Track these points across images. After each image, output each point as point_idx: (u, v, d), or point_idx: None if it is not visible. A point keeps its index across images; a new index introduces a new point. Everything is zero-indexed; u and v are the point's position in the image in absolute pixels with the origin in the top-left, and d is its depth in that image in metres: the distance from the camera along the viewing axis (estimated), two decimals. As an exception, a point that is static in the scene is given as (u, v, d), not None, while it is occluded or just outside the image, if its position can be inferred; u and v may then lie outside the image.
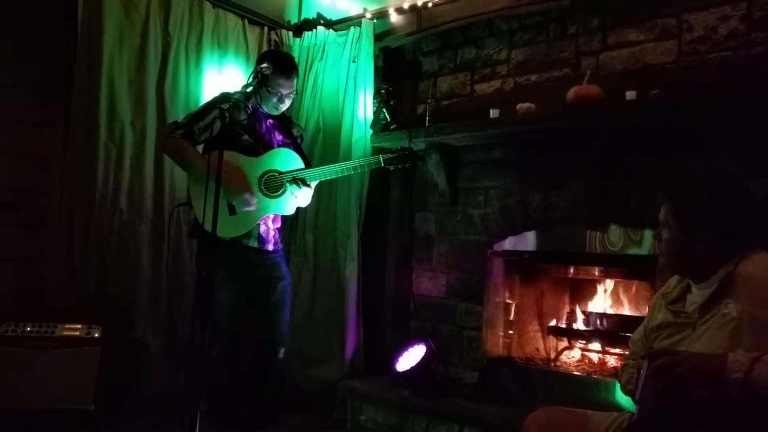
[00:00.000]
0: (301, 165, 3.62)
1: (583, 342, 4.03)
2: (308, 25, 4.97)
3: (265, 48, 4.80)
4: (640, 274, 3.69)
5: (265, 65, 3.53)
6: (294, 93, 3.73)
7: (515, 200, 3.98)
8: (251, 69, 3.70)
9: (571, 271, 4.07)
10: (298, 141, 3.83)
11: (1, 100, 3.85)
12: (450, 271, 4.34)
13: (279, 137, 3.70)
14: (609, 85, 3.47)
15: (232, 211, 3.41)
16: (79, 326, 3.58)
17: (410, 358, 3.95)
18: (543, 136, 3.74)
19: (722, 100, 2.97)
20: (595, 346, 3.95)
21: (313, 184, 3.64)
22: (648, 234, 3.41)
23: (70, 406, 3.45)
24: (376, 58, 4.60)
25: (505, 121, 3.80)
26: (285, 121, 3.81)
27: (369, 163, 3.75)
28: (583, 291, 4.15)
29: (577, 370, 3.86)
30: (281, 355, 3.65)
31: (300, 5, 5.13)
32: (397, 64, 4.79)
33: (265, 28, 4.89)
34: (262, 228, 3.58)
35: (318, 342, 4.50)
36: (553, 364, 4.03)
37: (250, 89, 3.52)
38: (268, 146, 3.60)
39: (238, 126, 3.48)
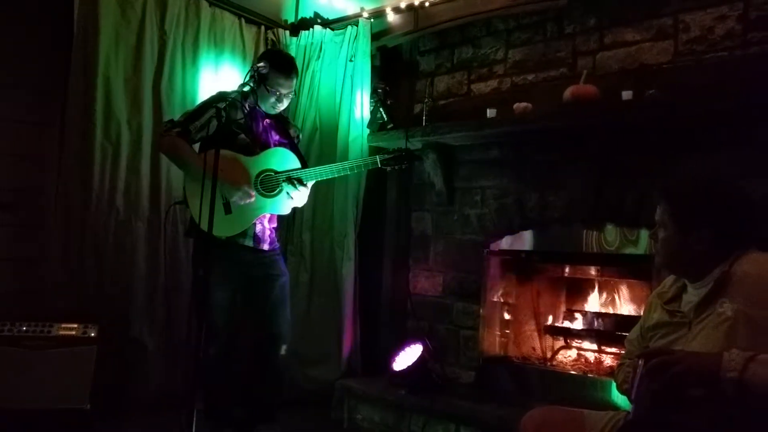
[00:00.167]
0: (298, 165, 3.61)
1: (580, 341, 4.03)
2: (305, 24, 4.97)
3: (261, 47, 4.80)
4: (636, 274, 3.69)
5: (262, 64, 3.53)
6: (292, 93, 3.72)
7: (512, 200, 3.98)
8: (248, 68, 3.70)
9: (568, 270, 4.07)
10: (295, 141, 3.82)
11: (0, 100, 3.84)
12: (447, 271, 4.34)
13: (276, 137, 3.69)
14: (606, 85, 3.48)
15: (227, 210, 3.40)
16: (76, 326, 3.57)
17: (407, 357, 3.96)
18: (540, 135, 3.74)
19: (719, 101, 2.97)
20: (592, 345, 3.96)
21: (310, 184, 3.63)
22: (644, 234, 3.41)
23: (67, 406, 3.45)
24: (373, 57, 4.60)
25: (502, 121, 3.80)
26: (282, 121, 3.80)
27: (366, 164, 3.74)
28: (579, 290, 4.15)
29: (574, 370, 3.86)
30: (283, 351, 3.63)
31: (297, 4, 5.13)
32: (394, 63, 4.79)
33: (262, 27, 4.89)
34: (258, 227, 3.57)
35: (315, 342, 4.50)
36: (549, 363, 4.03)
37: (247, 88, 3.51)
38: (265, 146, 3.60)
39: (234, 125, 3.47)
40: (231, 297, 3.53)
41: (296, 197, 3.59)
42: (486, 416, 3.44)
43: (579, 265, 3.99)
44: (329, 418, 4.19)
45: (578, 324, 4.06)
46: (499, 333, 4.14)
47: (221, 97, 3.52)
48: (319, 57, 4.77)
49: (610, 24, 3.69)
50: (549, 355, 4.12)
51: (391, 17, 4.58)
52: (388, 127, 4.38)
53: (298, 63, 4.58)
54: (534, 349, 4.15)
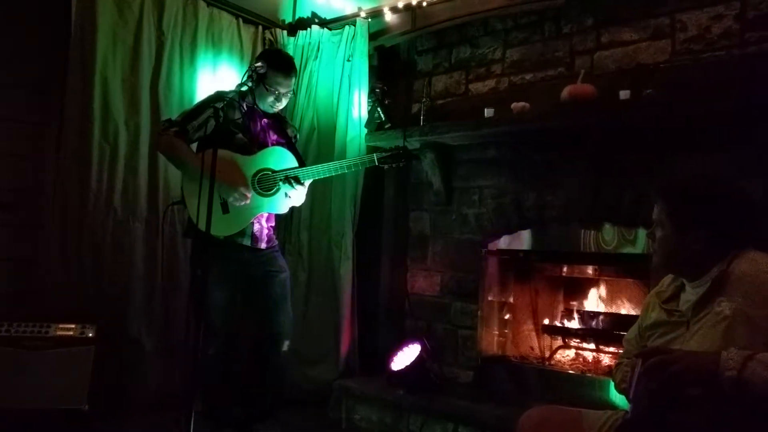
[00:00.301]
0: (295, 164, 3.61)
1: (578, 341, 4.03)
2: (303, 24, 4.96)
3: (259, 47, 4.80)
4: (634, 273, 3.70)
5: (261, 63, 3.52)
6: (291, 93, 3.72)
7: (510, 199, 3.99)
8: (245, 68, 3.70)
9: (566, 269, 4.08)
10: (293, 141, 3.82)
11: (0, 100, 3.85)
12: (445, 270, 4.34)
13: (273, 137, 3.69)
14: (603, 85, 3.48)
15: (225, 209, 3.40)
16: (73, 326, 3.57)
17: (405, 357, 3.96)
18: (537, 135, 3.75)
19: (716, 100, 2.98)
20: (590, 344, 3.96)
21: (307, 183, 3.62)
22: (642, 233, 3.42)
23: (65, 406, 3.44)
24: (370, 57, 4.60)
25: (499, 121, 3.80)
26: (280, 121, 3.80)
27: (363, 162, 3.73)
28: (577, 290, 4.15)
29: (572, 369, 3.86)
30: (285, 347, 3.62)
31: (294, 4, 5.13)
32: (391, 63, 4.80)
33: (260, 27, 4.88)
34: (256, 227, 3.57)
35: (313, 341, 4.50)
36: (547, 362, 4.03)
37: (245, 88, 3.50)
38: (263, 145, 3.59)
39: (232, 125, 3.47)
40: (229, 296, 3.52)
41: (294, 196, 3.59)
42: (484, 416, 3.44)
43: (577, 265, 4.00)
44: (327, 417, 4.19)
45: (576, 323, 4.06)
46: (497, 332, 4.14)
47: (219, 96, 3.52)
48: (316, 57, 4.77)
49: (607, 23, 3.69)
50: (547, 354, 4.12)
51: (389, 17, 4.58)
52: (386, 126, 4.38)
53: (296, 63, 4.56)
54: (532, 348, 4.16)
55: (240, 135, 3.51)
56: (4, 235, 3.87)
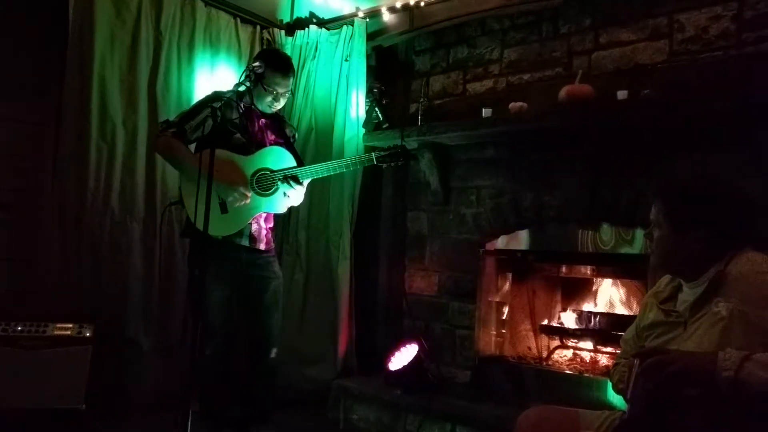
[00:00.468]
0: (294, 163, 3.60)
1: (575, 341, 4.03)
2: (301, 23, 4.96)
3: (257, 47, 4.80)
4: (631, 273, 3.70)
5: (258, 63, 3.52)
6: (289, 93, 3.72)
7: (507, 199, 3.99)
8: (243, 68, 3.70)
9: (564, 270, 4.08)
10: (291, 141, 3.82)
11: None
12: (442, 270, 4.34)
13: (272, 136, 3.68)
14: (601, 85, 3.48)
15: (223, 209, 3.39)
16: (71, 326, 3.56)
17: (403, 357, 3.96)
18: (535, 135, 3.75)
19: (713, 100, 2.98)
20: (587, 345, 3.96)
21: (305, 182, 3.62)
22: (639, 233, 3.41)
23: (62, 406, 3.44)
24: (368, 57, 4.61)
25: (497, 121, 3.80)
26: (278, 121, 3.80)
27: (361, 161, 3.73)
28: (575, 290, 4.16)
29: (569, 369, 3.86)
30: (273, 354, 3.64)
31: (292, 4, 5.12)
32: (389, 63, 4.79)
33: (258, 27, 4.88)
34: (254, 227, 3.56)
35: (311, 341, 4.50)
36: (545, 363, 4.04)
37: (243, 88, 3.50)
38: (261, 145, 3.59)
39: (230, 124, 3.47)
40: (227, 296, 3.52)
41: (292, 196, 3.59)
42: (482, 416, 3.44)
43: (574, 265, 3.99)
44: (325, 417, 4.19)
45: (574, 323, 4.06)
46: (494, 332, 4.14)
47: (216, 96, 3.51)
48: (314, 57, 4.77)
49: (605, 24, 3.69)
50: (545, 354, 4.12)
51: (387, 17, 4.59)
52: (384, 126, 4.38)
53: (294, 63, 4.56)
54: (530, 348, 4.16)
55: (238, 135, 3.51)
56: (2, 234, 3.87)
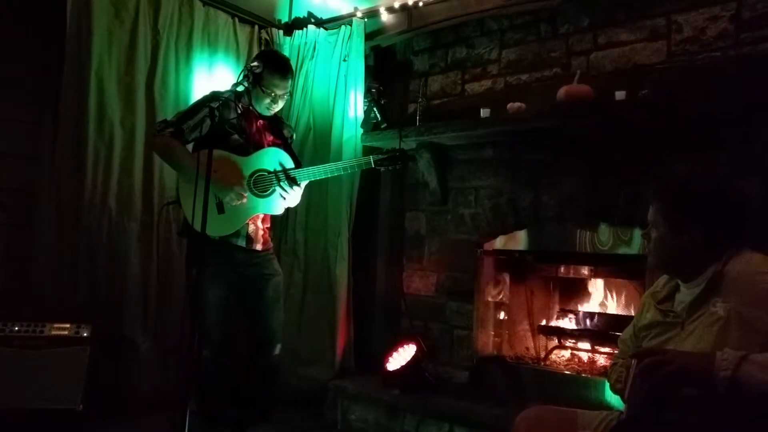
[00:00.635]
0: (291, 165, 3.60)
1: (573, 341, 4.03)
2: (299, 23, 4.96)
3: (255, 47, 4.80)
4: (629, 274, 3.69)
5: (256, 64, 3.51)
6: (287, 95, 3.71)
7: (506, 199, 3.99)
8: (241, 68, 3.69)
9: (562, 270, 4.07)
10: (289, 141, 3.82)
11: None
12: (441, 270, 4.34)
13: (270, 137, 3.68)
14: (599, 85, 3.48)
15: (220, 209, 3.39)
16: (68, 326, 3.57)
17: (401, 357, 3.96)
18: (533, 135, 3.75)
19: (711, 101, 2.98)
20: (585, 345, 3.96)
21: (303, 184, 3.62)
22: (638, 233, 3.41)
23: (59, 406, 3.44)
24: (366, 57, 4.61)
25: (495, 121, 3.80)
26: (276, 122, 3.79)
27: (359, 164, 3.73)
28: (573, 290, 4.16)
29: (567, 369, 3.86)
30: (277, 351, 3.63)
31: (291, 4, 5.12)
32: (388, 63, 4.79)
33: (256, 27, 4.88)
34: (251, 227, 3.56)
35: (309, 341, 4.50)
36: (543, 363, 4.04)
37: (241, 88, 3.50)
38: (258, 146, 3.58)
39: (227, 125, 3.47)
40: (224, 297, 3.52)
41: (289, 197, 3.59)
42: (480, 416, 3.44)
43: (573, 265, 3.99)
44: (323, 417, 4.19)
45: (572, 324, 4.06)
46: (492, 332, 4.14)
47: (214, 96, 3.51)
48: (312, 57, 4.77)
49: (603, 24, 3.69)
50: (542, 354, 4.12)
51: (385, 17, 4.59)
52: (382, 126, 4.38)
53: (292, 63, 4.57)
54: (528, 348, 4.16)
55: (236, 136, 3.51)
56: (0, 234, 3.87)
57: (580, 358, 3.97)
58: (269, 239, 3.72)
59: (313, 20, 4.94)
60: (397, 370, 3.92)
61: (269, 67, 3.54)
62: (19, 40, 3.93)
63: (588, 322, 3.96)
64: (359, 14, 4.63)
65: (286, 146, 3.73)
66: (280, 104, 3.69)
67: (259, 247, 3.60)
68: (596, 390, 3.38)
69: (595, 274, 3.94)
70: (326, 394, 4.23)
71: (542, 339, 4.18)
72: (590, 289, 4.06)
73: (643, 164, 3.36)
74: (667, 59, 3.44)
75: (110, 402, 3.84)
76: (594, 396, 3.36)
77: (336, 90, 4.60)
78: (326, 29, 4.80)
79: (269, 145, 3.64)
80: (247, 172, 3.50)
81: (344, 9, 4.86)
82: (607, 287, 3.97)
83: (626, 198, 3.42)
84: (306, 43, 4.81)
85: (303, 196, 3.72)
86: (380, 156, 3.67)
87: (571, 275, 4.06)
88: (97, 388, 3.62)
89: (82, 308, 3.80)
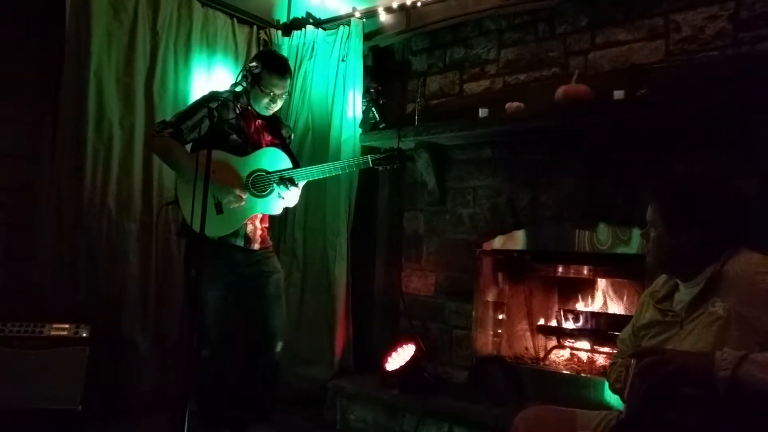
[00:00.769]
0: (290, 165, 3.60)
1: (572, 341, 4.04)
2: (297, 24, 4.96)
3: (254, 47, 4.80)
4: (628, 273, 3.70)
5: (255, 64, 3.51)
6: (286, 94, 3.72)
7: (504, 199, 3.99)
8: (240, 68, 3.70)
9: (560, 270, 4.07)
10: (287, 141, 3.82)
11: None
12: (439, 270, 4.34)
13: (268, 137, 3.68)
14: (597, 85, 3.48)
15: (219, 210, 3.39)
16: (67, 326, 3.57)
17: (400, 357, 3.96)
18: (532, 135, 3.75)
19: (709, 100, 2.99)
20: (584, 344, 3.97)
21: (301, 184, 3.62)
22: (636, 233, 3.42)
23: (58, 407, 3.44)
24: (365, 57, 4.61)
25: (494, 121, 3.80)
26: (274, 122, 3.79)
27: (357, 164, 3.73)
28: (572, 290, 4.16)
29: (566, 369, 3.87)
30: (278, 348, 3.63)
31: (289, 4, 5.12)
32: (386, 63, 4.80)
33: (254, 27, 4.88)
34: (249, 227, 3.56)
35: (307, 341, 4.50)
36: (542, 363, 4.04)
37: (239, 88, 3.50)
38: (257, 146, 3.59)
39: (226, 125, 3.47)
40: (223, 297, 3.52)
41: (287, 197, 3.59)
42: (479, 416, 3.45)
43: (571, 265, 3.99)
44: (322, 417, 4.19)
45: (571, 323, 4.06)
46: (491, 332, 4.14)
47: (213, 97, 3.51)
48: (311, 57, 4.77)
49: (601, 24, 3.69)
50: (542, 354, 4.13)
51: (383, 17, 4.59)
52: (381, 126, 4.37)
53: (291, 63, 4.56)
54: (527, 348, 4.16)
55: (234, 136, 3.51)
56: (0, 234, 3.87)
57: (579, 358, 3.98)
58: (268, 239, 3.72)
59: (311, 20, 4.94)
60: (397, 369, 3.92)
61: (268, 66, 3.54)
62: (19, 40, 3.93)
63: (587, 321, 3.96)
64: (357, 14, 4.64)
65: (285, 146, 3.73)
66: (279, 104, 3.69)
67: (257, 246, 3.60)
68: (595, 390, 3.38)
69: (594, 274, 3.94)
70: (325, 393, 4.23)
71: (541, 339, 4.18)
72: (589, 288, 4.06)
73: (642, 164, 3.37)
74: (665, 59, 3.44)
75: (110, 402, 3.84)
76: (593, 396, 3.36)
77: (334, 90, 4.59)
78: (324, 29, 4.80)
79: (268, 145, 3.64)
80: (245, 173, 3.50)
81: (342, 9, 4.86)
82: (606, 287, 3.98)
83: (624, 198, 3.42)
84: (304, 43, 4.81)
85: (301, 195, 3.72)
86: (378, 156, 3.67)
87: (570, 275, 4.06)
88: (97, 388, 3.62)
89: (82, 308, 3.80)
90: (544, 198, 3.80)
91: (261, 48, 4.82)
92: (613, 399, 2.97)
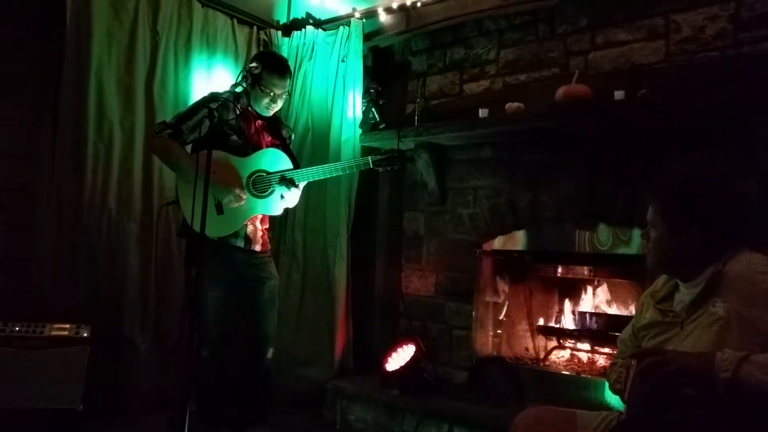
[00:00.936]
0: (290, 165, 3.60)
1: (572, 341, 4.04)
2: (297, 24, 4.96)
3: (254, 48, 4.81)
4: (628, 274, 3.70)
5: (255, 64, 3.52)
6: (286, 94, 3.72)
7: (504, 199, 3.99)
8: (240, 68, 3.70)
9: (560, 270, 4.08)
10: (287, 142, 3.82)
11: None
12: (439, 271, 4.34)
13: (268, 138, 3.68)
14: (597, 85, 3.48)
15: (219, 210, 3.39)
16: (68, 326, 3.57)
17: (400, 357, 3.96)
18: (532, 135, 3.75)
19: (709, 100, 2.98)
20: (584, 345, 3.96)
21: (301, 184, 3.62)
22: (637, 233, 3.41)
23: (59, 406, 3.44)
24: (365, 57, 4.61)
25: (494, 121, 3.80)
26: (275, 122, 3.79)
27: (357, 165, 3.74)
28: (572, 290, 4.15)
29: (566, 370, 3.87)
30: (269, 355, 3.64)
31: (289, 5, 5.12)
32: (386, 63, 4.80)
33: (254, 28, 4.88)
34: (250, 228, 3.56)
35: (307, 342, 4.50)
36: (542, 363, 4.04)
37: (239, 89, 3.51)
38: (257, 147, 3.59)
39: (226, 126, 3.47)
40: (223, 297, 3.52)
41: (288, 198, 3.59)
42: (479, 416, 3.44)
43: (571, 265, 3.99)
44: (322, 418, 4.19)
45: (571, 324, 4.06)
46: (491, 333, 4.14)
47: (213, 97, 3.51)
48: (311, 57, 4.77)
49: (601, 24, 3.69)
50: (542, 355, 4.13)
51: (383, 18, 4.59)
52: (381, 127, 4.38)
53: (291, 63, 4.57)
54: (527, 349, 4.16)
55: (234, 137, 3.51)
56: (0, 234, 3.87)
57: (579, 359, 3.98)
58: (268, 240, 3.72)
59: (311, 21, 4.94)
60: (396, 370, 3.92)
61: (268, 67, 3.54)
62: (19, 40, 3.93)
63: (587, 322, 3.96)
64: (357, 15, 4.64)
65: (285, 147, 3.74)
66: (279, 104, 3.70)
67: (257, 247, 3.60)
68: (596, 390, 3.38)
69: (595, 275, 3.94)
70: (325, 394, 4.22)
71: (541, 339, 4.18)
72: (589, 289, 4.05)
73: (642, 164, 3.37)
74: (665, 59, 3.44)
75: (110, 402, 3.84)
76: (593, 396, 3.36)
77: (334, 90, 4.60)
78: (324, 30, 4.81)
79: (268, 146, 3.64)
80: (245, 173, 3.50)
81: (342, 10, 4.86)
82: (607, 287, 3.97)
83: (625, 198, 3.42)
84: (304, 43, 4.81)
85: (301, 196, 3.73)
86: (379, 156, 3.68)
87: (570, 275, 4.07)
88: (97, 388, 3.62)
89: (82, 308, 3.80)
90: (544, 198, 3.80)
91: (261, 48, 4.82)
92: (613, 399, 2.98)
